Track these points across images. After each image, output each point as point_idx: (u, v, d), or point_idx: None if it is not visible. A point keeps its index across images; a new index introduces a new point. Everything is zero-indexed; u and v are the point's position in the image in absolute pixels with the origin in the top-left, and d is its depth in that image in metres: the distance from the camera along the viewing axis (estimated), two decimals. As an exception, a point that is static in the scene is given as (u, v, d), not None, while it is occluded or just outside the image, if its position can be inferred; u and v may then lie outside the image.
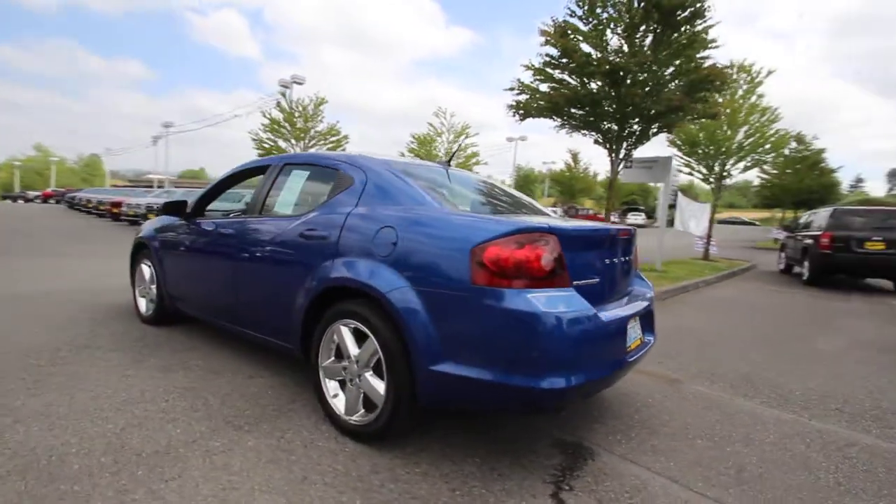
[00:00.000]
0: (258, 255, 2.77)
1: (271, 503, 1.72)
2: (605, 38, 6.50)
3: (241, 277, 2.87)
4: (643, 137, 7.09)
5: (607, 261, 2.27)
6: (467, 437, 2.30)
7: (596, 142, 7.28)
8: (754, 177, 23.11)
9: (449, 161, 3.11)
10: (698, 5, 5.77)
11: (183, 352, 3.31)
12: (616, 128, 7.16)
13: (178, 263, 3.55)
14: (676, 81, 6.30)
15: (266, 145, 14.77)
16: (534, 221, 1.97)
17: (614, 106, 6.70)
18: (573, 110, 7.01)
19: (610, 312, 2.06)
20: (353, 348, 2.22)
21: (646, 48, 6.25)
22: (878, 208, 9.19)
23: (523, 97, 7.79)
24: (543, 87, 7.61)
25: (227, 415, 2.39)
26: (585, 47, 6.54)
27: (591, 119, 7.06)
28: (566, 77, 6.93)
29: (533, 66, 7.21)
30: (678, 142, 11.88)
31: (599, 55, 6.36)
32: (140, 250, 4.10)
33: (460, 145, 18.90)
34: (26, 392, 2.52)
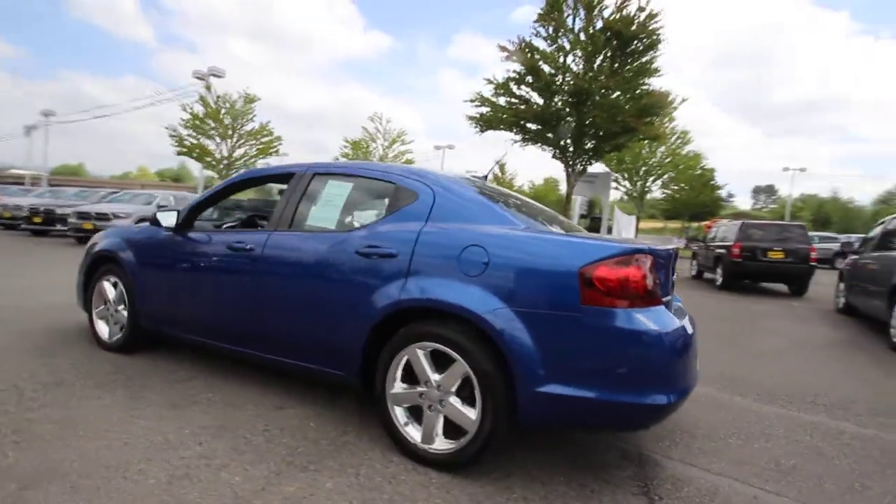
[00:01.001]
0: (295, 273, 2.53)
1: (396, 550, 1.58)
2: (566, 60, 6.93)
3: (270, 298, 2.60)
4: (597, 155, 7.65)
5: (666, 277, 2.41)
6: (539, 457, 2.30)
7: (554, 156, 7.70)
8: (658, 191, 25.93)
9: (486, 176, 3.10)
10: (654, 37, 6.43)
11: (182, 383, 2.90)
12: (571, 145, 7.63)
13: (168, 282, 3.11)
14: (628, 106, 6.92)
15: (188, 142, 13.43)
16: (633, 243, 2.04)
17: (573, 124, 7.15)
18: (534, 126, 7.35)
19: (688, 327, 2.20)
20: (431, 373, 2.11)
21: (601, 74, 6.78)
22: (776, 223, 10.79)
23: (483, 110, 7.97)
24: (502, 101, 7.88)
25: (281, 454, 2.14)
26: (547, 67, 6.91)
27: (550, 135, 7.45)
28: (529, 94, 7.25)
29: (496, 80, 7.44)
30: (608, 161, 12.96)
31: (563, 76, 6.76)
32: (99, 266, 3.52)
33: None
34: (12, 446, 2.04)
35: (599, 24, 6.53)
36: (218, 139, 13.80)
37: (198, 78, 20.70)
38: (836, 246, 17.86)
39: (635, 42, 6.40)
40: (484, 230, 2.13)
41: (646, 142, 11.73)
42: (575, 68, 6.67)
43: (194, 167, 20.12)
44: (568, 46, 6.62)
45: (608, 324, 1.84)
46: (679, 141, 12.41)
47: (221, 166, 13.86)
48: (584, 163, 7.63)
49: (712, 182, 25.57)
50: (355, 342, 2.29)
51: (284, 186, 2.88)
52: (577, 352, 1.88)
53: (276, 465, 2.05)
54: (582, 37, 6.53)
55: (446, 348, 2.06)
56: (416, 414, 2.20)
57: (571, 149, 7.14)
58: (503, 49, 7.54)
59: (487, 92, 7.67)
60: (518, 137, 7.92)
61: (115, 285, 3.43)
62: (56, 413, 2.39)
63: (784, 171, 33.25)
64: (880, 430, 2.95)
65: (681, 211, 25.58)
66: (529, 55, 6.58)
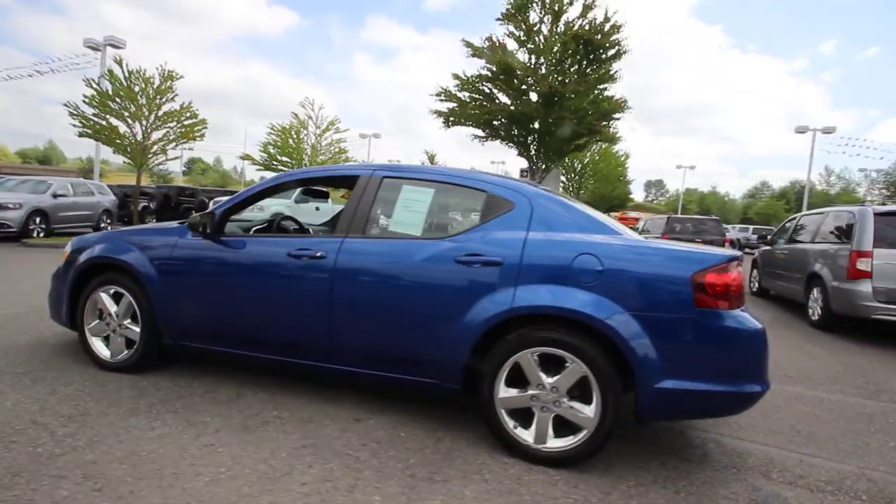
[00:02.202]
0: (382, 281, 2.44)
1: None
2: (537, 62, 7.21)
3: (350, 308, 2.48)
4: (560, 155, 8.10)
5: None
6: (629, 448, 2.48)
7: (519, 154, 8.00)
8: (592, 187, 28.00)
9: (540, 181, 3.19)
10: (617, 48, 6.94)
11: (233, 402, 2.65)
12: (535, 145, 7.98)
13: (204, 293, 2.79)
14: (591, 110, 7.42)
15: (94, 123, 11.61)
16: (724, 251, 2.28)
17: (538, 125, 7.49)
18: (497, 123, 7.56)
19: None
20: (543, 376, 2.20)
21: (569, 78, 7.18)
22: (694, 217, 12.23)
23: (449, 105, 8.02)
24: (464, 96, 7.98)
25: (398, 468, 2.10)
26: (521, 68, 7.15)
27: (516, 133, 7.73)
28: (494, 92, 7.44)
29: (466, 77, 7.51)
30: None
31: (535, 76, 7.04)
32: (92, 275, 3.05)
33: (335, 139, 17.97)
34: (96, 495, 1.76)
35: (561, 29, 6.92)
36: (130, 120, 12.12)
37: (90, 48, 18.01)
38: (752, 235, 24.31)
39: (601, 50, 6.90)
40: (593, 239, 2.25)
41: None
42: (544, 70, 6.99)
43: (106, 154, 17.61)
44: (538, 48, 6.92)
45: (718, 324, 2.07)
46: (607, 144, 13.53)
47: (130, 149, 12.23)
48: (548, 161, 8.09)
49: (622, 178, 28.40)
50: (458, 350, 2.29)
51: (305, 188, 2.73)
52: (689, 349, 2.09)
53: (402, 480, 2.00)
54: (553, 41, 6.88)
55: (563, 352, 2.16)
56: (519, 416, 2.27)
57: (538, 148, 7.52)
58: (469, 45, 7.64)
59: (454, 87, 7.74)
60: (482, 133, 8.11)
61: (115, 297, 3.00)
62: (114, 450, 2.08)
63: (677, 168, 37.66)
64: (847, 396, 3.61)
65: (599, 204, 28.03)
66: (501, 54, 6.76)
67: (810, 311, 6.14)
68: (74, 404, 2.50)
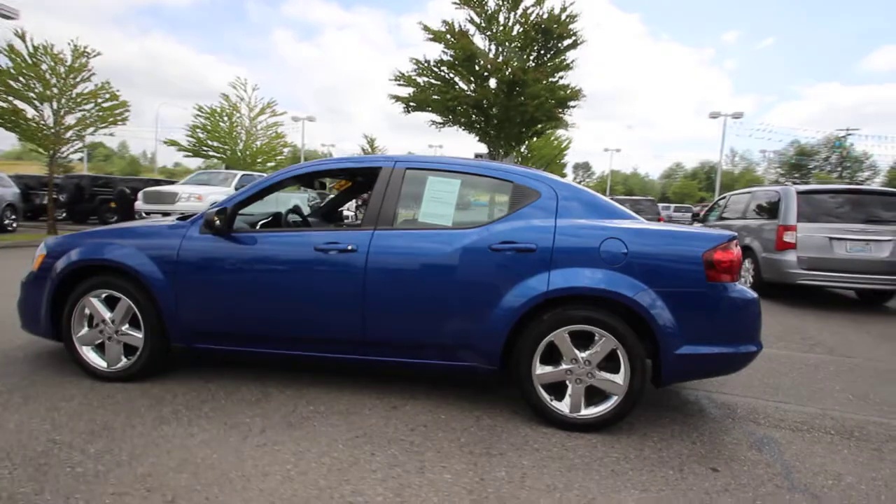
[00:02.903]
0: (419, 272, 2.50)
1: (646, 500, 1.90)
2: (500, 50, 7.35)
3: (385, 299, 2.51)
4: (520, 141, 8.36)
5: None
6: (641, 410, 2.75)
7: (481, 140, 8.15)
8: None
9: (545, 167, 3.36)
10: (574, 38, 7.24)
11: (266, 401, 2.60)
12: (493, 131, 8.18)
13: (219, 291, 2.67)
14: (552, 98, 7.72)
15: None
16: (727, 231, 2.58)
17: (495, 111, 7.67)
18: (460, 109, 7.66)
19: None
20: (577, 351, 2.41)
21: (527, 66, 7.41)
22: (632, 197, 13.16)
23: (409, 90, 7.98)
24: (421, 81, 7.98)
25: (453, 447, 2.22)
26: (480, 54, 7.25)
27: (475, 120, 7.87)
28: (457, 78, 7.50)
29: (426, 62, 7.48)
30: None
31: (497, 64, 7.18)
32: (78, 280, 2.80)
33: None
34: (154, 501, 1.71)
35: (520, 17, 7.11)
36: (38, 102, 10.65)
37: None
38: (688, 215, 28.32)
39: (558, 39, 7.17)
40: (615, 225, 2.47)
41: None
42: (504, 58, 7.14)
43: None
44: (497, 35, 7.04)
45: (724, 295, 2.38)
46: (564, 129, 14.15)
47: (40, 135, 10.83)
48: (507, 146, 8.35)
49: (559, 163, 29.67)
50: (497, 334, 2.43)
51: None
52: (702, 318, 2.38)
53: (463, 457, 2.13)
54: (511, 29, 7.03)
55: (595, 328, 2.37)
56: (552, 389, 2.46)
57: (497, 134, 7.74)
58: (427, 29, 7.57)
59: (412, 71, 7.66)
60: (440, 119, 8.15)
61: (108, 301, 2.78)
62: (165, 460, 2.00)
63: (605, 150, 40.07)
64: (792, 350, 4.21)
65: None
66: (464, 40, 6.81)
67: (743, 279, 6.98)
68: (89, 419, 2.33)
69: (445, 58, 7.29)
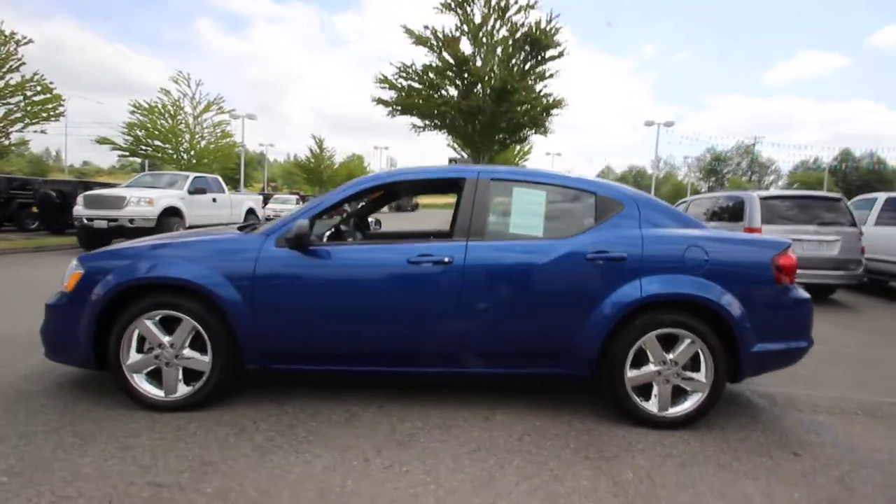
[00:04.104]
0: (517, 282, 2.53)
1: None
2: (487, 57, 7.47)
3: (482, 311, 2.52)
4: (503, 147, 8.53)
5: None
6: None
7: (465, 146, 8.23)
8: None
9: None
10: (560, 48, 7.52)
11: (354, 421, 2.50)
12: (472, 136, 8.31)
13: (304, 308, 2.52)
14: (535, 105, 7.95)
15: None
16: (783, 238, 2.84)
17: (481, 117, 7.80)
18: (448, 115, 7.71)
19: None
20: (665, 353, 2.56)
21: (516, 73, 7.61)
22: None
23: (392, 94, 7.90)
24: (402, 84, 7.94)
25: (569, 454, 2.28)
26: (473, 61, 7.34)
27: (461, 125, 7.95)
28: (445, 83, 7.54)
29: (415, 68, 7.45)
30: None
31: (488, 72, 7.29)
32: (130, 301, 2.53)
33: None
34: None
35: (507, 27, 7.29)
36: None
37: None
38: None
39: (544, 50, 7.41)
40: (695, 233, 2.65)
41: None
42: (495, 65, 7.26)
43: None
44: (486, 43, 7.15)
45: (788, 295, 2.65)
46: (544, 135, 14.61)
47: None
48: (492, 153, 8.48)
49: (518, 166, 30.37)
50: (593, 341, 2.52)
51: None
52: (770, 318, 2.63)
53: (586, 463, 2.20)
54: (499, 38, 7.16)
55: (682, 330, 2.54)
56: (647, 390, 2.60)
57: (481, 140, 7.83)
58: (410, 33, 7.51)
59: (393, 76, 7.56)
60: (420, 124, 8.12)
61: (164, 324, 2.54)
62: (299, 491, 1.88)
63: (546, 155, 41.81)
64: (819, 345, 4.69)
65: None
66: (455, 47, 6.83)
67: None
68: (177, 455, 2.12)
69: (435, 62, 7.31)
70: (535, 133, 9.43)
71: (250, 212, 14.40)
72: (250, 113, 29.63)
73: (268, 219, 17.04)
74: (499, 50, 7.65)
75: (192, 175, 12.12)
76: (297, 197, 25.30)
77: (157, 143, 15.58)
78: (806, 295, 2.74)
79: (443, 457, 2.18)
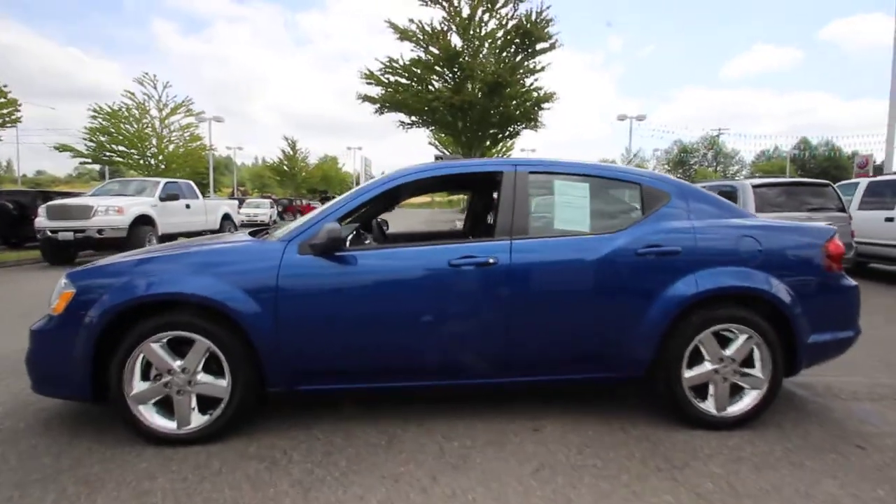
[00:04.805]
0: (567, 282, 2.35)
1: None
2: (479, 50, 7.25)
3: (532, 315, 2.32)
4: (495, 142, 8.34)
5: None
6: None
7: (457, 141, 8.00)
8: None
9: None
10: (552, 41, 7.37)
11: (396, 444, 2.26)
12: (463, 132, 8.10)
13: (344, 321, 2.26)
14: (527, 99, 7.79)
15: None
16: (830, 224, 2.74)
17: (472, 113, 7.60)
18: (441, 110, 7.47)
19: None
20: (720, 348, 2.42)
21: (506, 67, 7.42)
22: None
23: (378, 90, 7.62)
24: (389, 80, 7.67)
25: (637, 465, 2.11)
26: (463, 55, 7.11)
27: (451, 121, 7.72)
28: (434, 78, 7.29)
29: (402, 62, 7.17)
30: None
31: (480, 65, 7.08)
32: (131, 323, 2.22)
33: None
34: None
35: (497, 19, 7.10)
36: None
37: None
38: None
39: (535, 42, 7.25)
40: (745, 222, 2.52)
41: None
42: (484, 58, 7.05)
43: None
44: (477, 36, 6.93)
45: (838, 283, 2.55)
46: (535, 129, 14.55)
47: None
48: (484, 149, 8.26)
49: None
50: (649, 340, 2.36)
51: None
52: (823, 307, 2.52)
53: (658, 475, 2.03)
54: (491, 27, 6.97)
55: (739, 325, 2.40)
56: (702, 390, 2.46)
57: (473, 136, 7.60)
58: (394, 27, 7.20)
59: (378, 71, 7.25)
60: (409, 120, 7.84)
61: (173, 346, 2.24)
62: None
63: (521, 151, 42.11)
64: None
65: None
66: (445, 41, 6.58)
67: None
68: (205, 498, 1.84)
69: (423, 57, 7.05)
70: (527, 127, 9.32)
71: (226, 217, 13.81)
72: (217, 115, 28.68)
73: (243, 225, 16.48)
74: (488, 42, 7.47)
75: (162, 181, 11.47)
76: (269, 201, 24.52)
77: (122, 148, 14.71)
78: (854, 282, 2.65)
79: (507, 479, 1.97)
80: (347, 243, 2.71)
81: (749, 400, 2.46)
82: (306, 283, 2.25)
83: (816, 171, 44.51)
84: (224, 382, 2.26)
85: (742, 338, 2.43)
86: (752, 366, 2.46)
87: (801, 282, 2.47)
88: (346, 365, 2.33)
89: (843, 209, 6.87)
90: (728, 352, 2.43)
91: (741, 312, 2.40)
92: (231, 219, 13.84)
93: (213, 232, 12.65)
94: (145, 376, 2.26)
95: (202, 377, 2.26)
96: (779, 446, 2.30)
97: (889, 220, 6.89)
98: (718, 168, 47.98)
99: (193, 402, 2.27)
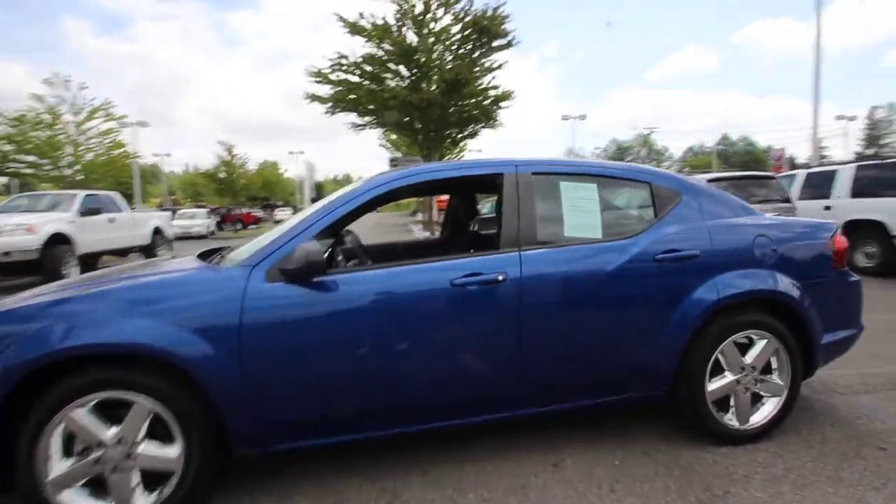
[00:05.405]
0: (584, 297, 2.08)
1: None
2: (435, 47, 6.92)
3: (550, 336, 2.04)
4: (454, 143, 8.04)
5: None
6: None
7: (413, 142, 7.63)
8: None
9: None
10: (510, 37, 7.17)
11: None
12: (421, 132, 7.76)
13: (323, 360, 1.85)
14: (485, 98, 7.55)
15: None
16: (832, 221, 2.65)
17: (429, 112, 7.27)
18: (396, 110, 7.09)
19: None
20: (741, 357, 2.26)
21: (465, 63, 7.14)
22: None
23: (328, 89, 7.14)
24: (336, 77, 7.22)
25: (677, 495, 1.87)
26: (421, 50, 6.76)
27: (408, 122, 7.35)
28: (389, 76, 6.89)
29: (350, 60, 6.71)
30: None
31: (435, 61, 6.75)
32: (50, 383, 1.70)
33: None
34: None
35: (445, 14, 6.82)
36: None
37: None
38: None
39: (492, 38, 7.03)
40: (757, 221, 2.37)
41: None
42: (439, 55, 6.73)
43: None
44: (432, 32, 6.59)
45: (844, 280, 2.47)
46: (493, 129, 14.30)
47: None
48: (441, 149, 7.92)
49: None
50: (672, 354, 2.15)
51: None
52: (832, 306, 2.43)
53: (705, 511, 1.80)
54: (446, 22, 6.68)
55: (760, 331, 2.25)
56: (724, 402, 2.28)
57: (433, 136, 7.26)
58: (344, 21, 6.71)
59: (328, 69, 6.73)
60: (361, 122, 7.37)
61: (104, 410, 1.74)
62: None
63: (469, 151, 42.41)
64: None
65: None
66: (399, 36, 6.19)
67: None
68: None
69: (377, 53, 6.62)
70: (486, 126, 9.13)
71: (157, 231, 12.56)
72: (142, 120, 26.39)
73: (178, 238, 15.13)
74: (444, 38, 7.21)
75: (81, 193, 10.20)
76: (206, 210, 22.79)
77: (32, 158, 13.00)
78: (857, 277, 2.59)
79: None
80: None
81: (770, 408, 2.32)
82: (280, 317, 1.83)
83: (738, 165, 48.21)
84: (175, 451, 1.78)
85: (761, 343, 2.28)
86: (770, 372, 2.32)
87: (813, 281, 2.36)
88: (334, 413, 1.92)
89: (787, 200, 7.20)
90: (748, 360, 2.27)
91: (761, 317, 2.25)
92: (163, 232, 12.60)
93: (143, 249, 11.43)
94: (68, 451, 1.74)
95: (146, 447, 1.77)
96: (807, 457, 2.16)
97: (827, 208, 7.32)
98: (652, 164, 50.83)
99: (136, 479, 1.78)
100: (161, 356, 1.72)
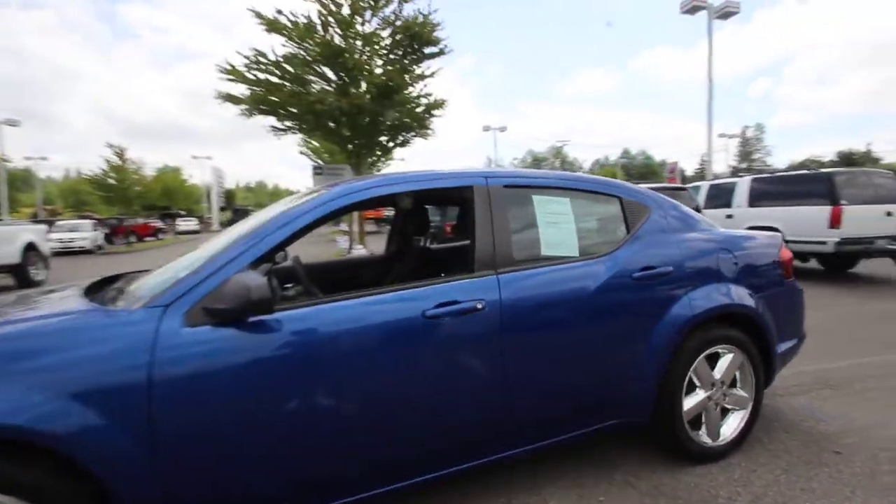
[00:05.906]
0: (568, 322, 1.89)
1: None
2: (364, 50, 6.51)
3: (536, 369, 1.81)
4: (385, 151, 7.64)
5: None
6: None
7: (343, 150, 7.14)
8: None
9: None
10: (441, 45, 6.95)
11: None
12: (350, 139, 7.33)
13: (265, 423, 1.44)
14: (417, 105, 7.25)
15: None
16: (772, 232, 2.73)
17: (358, 119, 6.86)
18: (324, 113, 6.57)
19: None
20: (711, 372, 2.23)
21: (396, 69, 6.82)
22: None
23: (244, 89, 6.50)
24: (254, 77, 6.62)
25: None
26: (350, 52, 6.32)
27: (335, 126, 6.87)
28: (314, 78, 6.38)
29: (268, 59, 6.12)
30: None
31: (364, 65, 6.34)
32: None
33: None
34: None
35: (373, 17, 6.46)
36: None
37: None
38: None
39: (424, 45, 6.76)
40: (715, 235, 2.37)
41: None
42: (364, 57, 6.31)
43: None
44: (362, 35, 6.16)
45: (794, 289, 2.57)
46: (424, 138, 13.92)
47: None
48: (370, 157, 7.44)
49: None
50: (653, 375, 2.05)
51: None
52: (784, 316, 2.50)
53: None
54: (380, 30, 6.27)
55: (729, 346, 2.23)
56: (698, 419, 2.23)
57: (363, 144, 6.79)
58: (261, 17, 6.07)
59: (243, 66, 6.04)
60: (282, 126, 6.70)
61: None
62: None
63: (401, 160, 42.04)
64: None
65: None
66: (325, 37, 5.69)
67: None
68: None
69: (299, 53, 6.08)
70: (417, 135, 8.86)
71: (30, 247, 10.59)
72: (10, 118, 22.60)
73: (57, 254, 12.92)
74: (374, 42, 6.88)
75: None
76: (91, 222, 19.91)
77: None
78: (800, 286, 2.71)
79: None
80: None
81: (735, 422, 2.31)
82: (207, 370, 1.40)
83: (637, 176, 53.00)
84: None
85: (728, 357, 2.26)
86: (734, 385, 2.32)
87: (769, 292, 2.41)
88: (281, 485, 1.52)
89: (698, 209, 7.83)
90: (717, 375, 2.24)
91: (729, 331, 2.23)
92: (38, 248, 10.66)
93: (12, 268, 9.61)
94: None
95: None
96: (777, 469, 2.16)
97: (729, 216, 8.07)
98: (565, 175, 54.21)
99: None
100: (26, 436, 1.22)
